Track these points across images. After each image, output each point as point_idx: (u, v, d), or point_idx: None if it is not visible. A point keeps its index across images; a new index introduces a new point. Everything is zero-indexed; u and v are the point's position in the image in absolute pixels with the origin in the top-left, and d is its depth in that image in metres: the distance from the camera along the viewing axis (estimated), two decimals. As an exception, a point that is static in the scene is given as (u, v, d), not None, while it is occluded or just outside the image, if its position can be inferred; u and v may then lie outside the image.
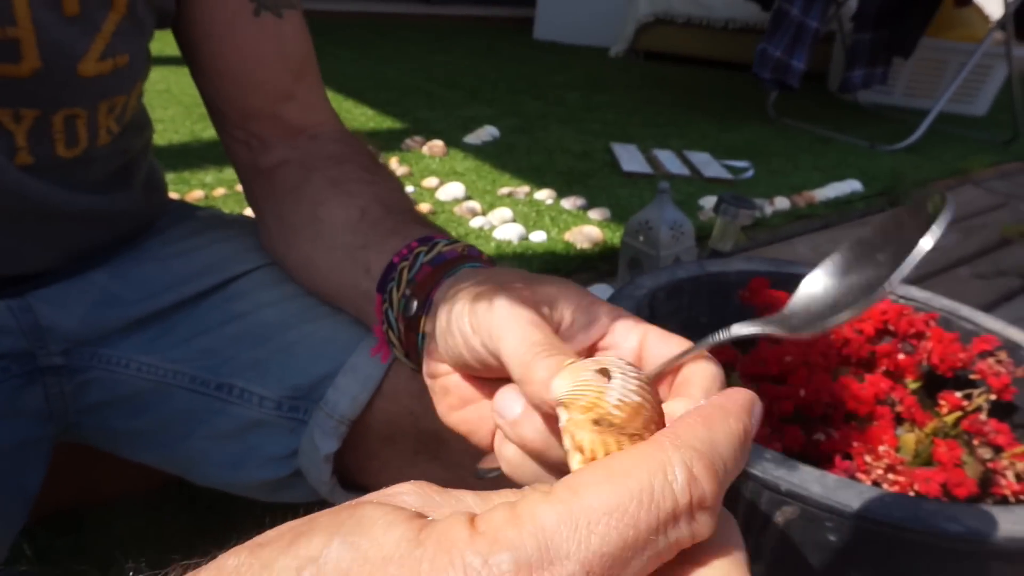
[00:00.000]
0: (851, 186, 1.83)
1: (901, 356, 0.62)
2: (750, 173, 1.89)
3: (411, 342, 0.42)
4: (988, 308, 1.36)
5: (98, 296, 0.61)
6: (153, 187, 0.71)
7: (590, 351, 0.33)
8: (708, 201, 1.61)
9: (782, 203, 1.67)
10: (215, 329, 0.61)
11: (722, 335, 0.28)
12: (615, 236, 1.29)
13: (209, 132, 1.88)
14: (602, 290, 1.19)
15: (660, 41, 3.67)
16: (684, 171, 1.85)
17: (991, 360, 0.64)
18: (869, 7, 2.36)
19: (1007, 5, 2.27)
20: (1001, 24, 2.32)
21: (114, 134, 0.58)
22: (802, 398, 0.56)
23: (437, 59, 3.45)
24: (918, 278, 1.46)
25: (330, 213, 0.53)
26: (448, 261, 0.43)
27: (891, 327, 0.64)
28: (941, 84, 2.86)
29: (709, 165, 1.91)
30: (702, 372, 0.29)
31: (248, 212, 1.50)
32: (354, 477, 0.60)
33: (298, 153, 0.58)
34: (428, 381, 0.36)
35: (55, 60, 0.49)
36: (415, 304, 0.41)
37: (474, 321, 0.32)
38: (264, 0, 0.57)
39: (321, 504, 0.59)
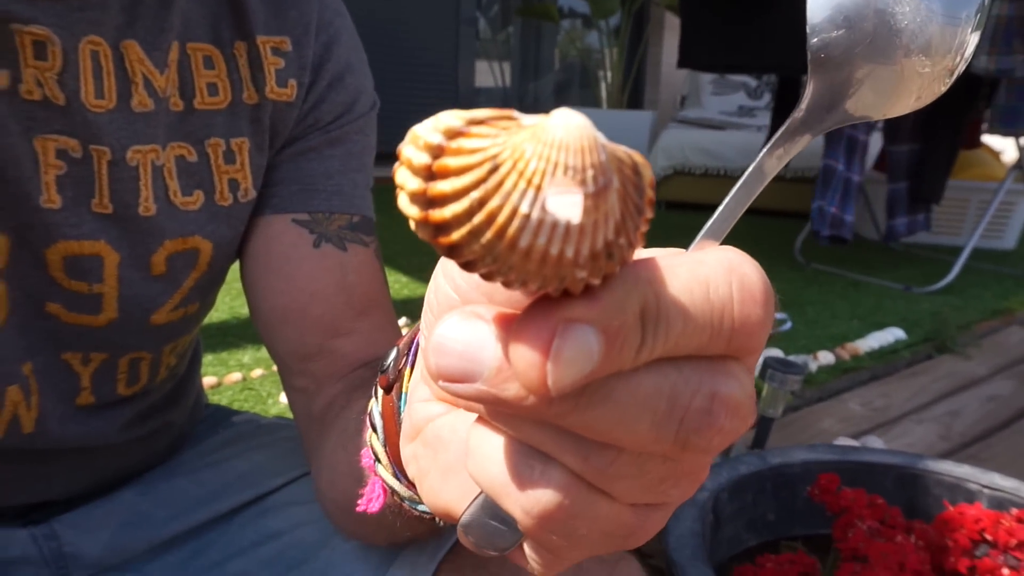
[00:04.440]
0: (894, 334, 1.79)
1: (1006, 572, 0.56)
2: (788, 325, 1.87)
3: (391, 415, 0.31)
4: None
5: (125, 516, 0.58)
6: (198, 404, 0.70)
7: None
8: (749, 359, 1.58)
9: (826, 357, 1.63)
10: (249, 551, 0.57)
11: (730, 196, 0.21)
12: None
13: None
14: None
15: (680, 191, 3.78)
16: (720, 326, 1.84)
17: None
18: (900, 157, 2.44)
19: (1020, 150, 2.32)
20: (1019, 166, 2.37)
21: (171, 367, 0.58)
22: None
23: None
24: (981, 434, 1.38)
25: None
26: None
27: (988, 537, 0.58)
28: (965, 221, 2.88)
29: (744, 319, 1.90)
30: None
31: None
32: None
33: (345, 383, 0.51)
34: (416, 449, 0.26)
35: (131, 312, 0.50)
36: (393, 353, 0.31)
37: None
38: (326, 232, 0.53)
39: None
